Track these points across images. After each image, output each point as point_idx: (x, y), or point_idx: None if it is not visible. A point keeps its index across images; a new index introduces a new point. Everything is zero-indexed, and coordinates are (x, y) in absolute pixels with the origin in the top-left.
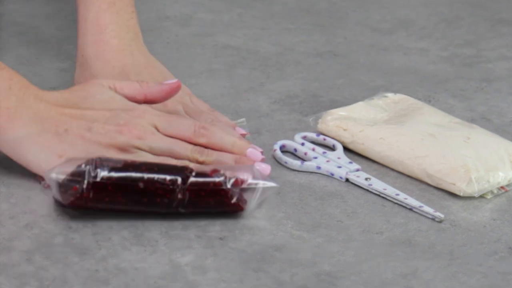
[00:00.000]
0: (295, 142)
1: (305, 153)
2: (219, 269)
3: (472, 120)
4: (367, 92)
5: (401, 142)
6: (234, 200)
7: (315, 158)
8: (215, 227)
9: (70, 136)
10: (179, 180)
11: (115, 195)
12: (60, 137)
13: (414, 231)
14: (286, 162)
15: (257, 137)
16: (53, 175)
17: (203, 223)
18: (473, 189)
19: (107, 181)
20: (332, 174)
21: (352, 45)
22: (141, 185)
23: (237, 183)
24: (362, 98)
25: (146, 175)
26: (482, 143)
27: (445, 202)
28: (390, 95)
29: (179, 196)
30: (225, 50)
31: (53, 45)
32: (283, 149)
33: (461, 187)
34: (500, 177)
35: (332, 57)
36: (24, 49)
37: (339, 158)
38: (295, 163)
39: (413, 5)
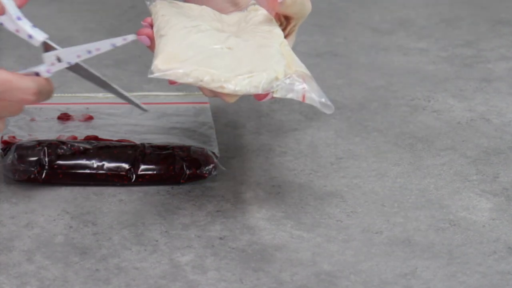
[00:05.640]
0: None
1: None
2: (219, 268)
3: (471, 120)
4: (367, 92)
5: None
6: (185, 179)
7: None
8: (215, 227)
9: None
10: (127, 166)
11: (66, 180)
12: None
13: (413, 231)
14: None
15: (257, 137)
16: (9, 160)
17: (203, 223)
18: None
19: (58, 170)
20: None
21: (352, 45)
22: (90, 172)
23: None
24: (362, 98)
25: (96, 163)
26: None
27: (444, 202)
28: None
29: (130, 178)
30: None
31: None
32: None
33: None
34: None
35: (332, 57)
36: (25, 49)
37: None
38: None
39: (413, 5)
